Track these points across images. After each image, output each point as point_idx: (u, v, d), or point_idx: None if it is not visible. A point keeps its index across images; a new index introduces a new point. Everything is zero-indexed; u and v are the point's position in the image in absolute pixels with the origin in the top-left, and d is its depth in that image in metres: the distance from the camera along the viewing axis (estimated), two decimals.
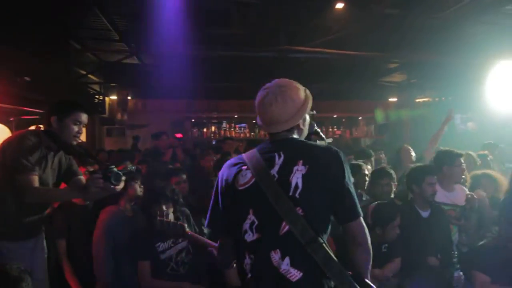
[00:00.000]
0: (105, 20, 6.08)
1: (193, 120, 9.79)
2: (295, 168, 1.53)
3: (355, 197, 1.57)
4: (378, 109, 10.60)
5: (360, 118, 10.69)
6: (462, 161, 3.57)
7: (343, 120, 10.58)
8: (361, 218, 1.59)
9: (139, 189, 2.97)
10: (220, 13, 5.33)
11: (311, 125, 2.10)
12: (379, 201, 3.08)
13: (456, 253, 3.01)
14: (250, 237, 1.58)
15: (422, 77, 10.17)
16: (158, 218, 2.06)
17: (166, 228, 2.07)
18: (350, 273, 1.56)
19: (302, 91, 1.71)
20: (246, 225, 1.59)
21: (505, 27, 6.75)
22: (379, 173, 3.84)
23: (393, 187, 3.79)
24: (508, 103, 7.42)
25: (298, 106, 1.66)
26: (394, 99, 11.56)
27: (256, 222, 1.57)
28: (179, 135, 9.32)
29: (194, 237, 2.05)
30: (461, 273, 2.92)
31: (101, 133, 9.72)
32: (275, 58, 6.16)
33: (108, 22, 6.19)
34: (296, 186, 1.51)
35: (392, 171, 3.90)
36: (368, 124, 10.88)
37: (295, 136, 1.69)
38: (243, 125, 10.74)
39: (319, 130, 2.03)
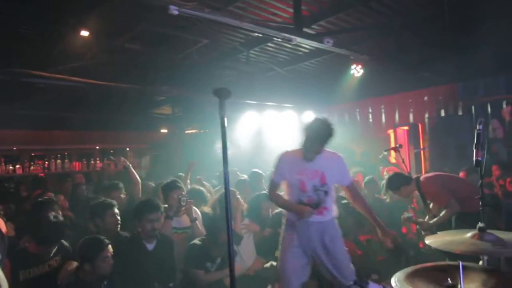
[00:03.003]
0: None
1: None
2: None
3: None
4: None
5: (128, 149, 10.53)
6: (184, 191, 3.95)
7: (111, 151, 10.17)
8: None
9: None
10: None
11: None
12: (86, 237, 2.96)
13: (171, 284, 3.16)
14: None
15: (187, 111, 10.99)
16: None
17: None
18: None
19: None
20: None
21: (242, 72, 8.08)
22: (102, 206, 3.68)
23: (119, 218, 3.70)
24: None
25: None
26: (165, 131, 12.03)
27: None
28: None
29: None
30: None
31: None
32: (8, 82, 5.35)
33: None
34: None
35: (114, 202, 3.81)
36: (137, 156, 10.83)
37: None
38: None
39: None
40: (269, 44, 6.74)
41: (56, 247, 3.07)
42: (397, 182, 4.22)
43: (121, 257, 3.08)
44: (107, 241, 2.91)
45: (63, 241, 3.21)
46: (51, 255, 3.06)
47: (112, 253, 2.90)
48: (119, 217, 3.60)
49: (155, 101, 10.31)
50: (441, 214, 3.91)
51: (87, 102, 8.31)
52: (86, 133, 9.49)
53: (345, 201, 5.09)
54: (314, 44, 4.42)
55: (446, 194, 3.89)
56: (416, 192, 4.36)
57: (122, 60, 6.03)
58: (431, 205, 4.30)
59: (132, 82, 6.77)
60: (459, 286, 1.84)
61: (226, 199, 1.59)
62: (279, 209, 4.19)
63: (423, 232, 4.10)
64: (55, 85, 5.69)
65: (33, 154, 9.02)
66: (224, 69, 7.80)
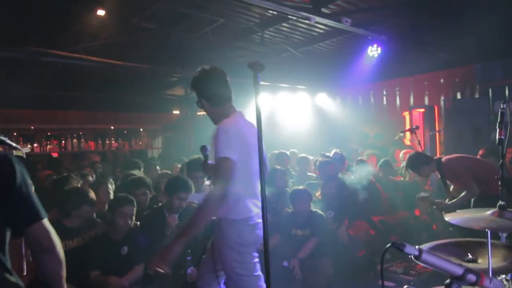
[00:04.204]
0: None
1: None
2: None
3: (34, 199, 1.51)
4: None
5: (142, 130, 10.64)
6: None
7: (125, 132, 10.30)
8: (45, 221, 1.51)
9: None
10: None
11: None
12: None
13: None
14: None
15: None
16: None
17: None
18: None
19: None
20: None
21: (255, 53, 8.02)
22: (134, 183, 3.84)
23: (149, 195, 3.90)
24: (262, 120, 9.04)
25: None
26: (177, 112, 12.09)
27: None
28: None
29: None
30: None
31: None
32: (24, 60, 5.41)
33: None
34: None
35: (148, 180, 3.96)
36: (150, 136, 10.94)
37: None
38: None
39: (4, 138, 1.84)
40: (284, 25, 6.65)
41: (87, 221, 3.19)
42: (418, 161, 4.19)
43: (145, 227, 3.29)
44: (130, 201, 3.11)
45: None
46: (85, 228, 3.16)
47: (132, 215, 3.09)
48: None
49: (168, 82, 10.32)
50: (460, 196, 3.90)
51: (102, 82, 8.39)
52: (100, 113, 9.62)
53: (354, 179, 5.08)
54: (332, 23, 4.36)
55: (467, 176, 3.86)
56: (435, 174, 4.35)
57: (138, 40, 6.03)
58: (451, 188, 4.28)
59: (147, 62, 6.78)
60: (479, 260, 1.87)
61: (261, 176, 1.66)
62: (294, 187, 4.26)
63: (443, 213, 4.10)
64: (72, 65, 5.73)
65: (49, 133, 9.17)
66: (237, 50, 7.74)
